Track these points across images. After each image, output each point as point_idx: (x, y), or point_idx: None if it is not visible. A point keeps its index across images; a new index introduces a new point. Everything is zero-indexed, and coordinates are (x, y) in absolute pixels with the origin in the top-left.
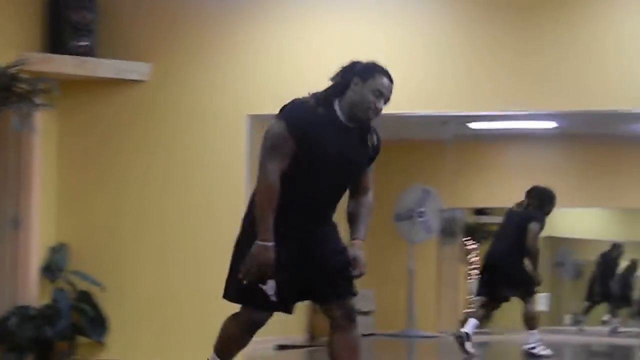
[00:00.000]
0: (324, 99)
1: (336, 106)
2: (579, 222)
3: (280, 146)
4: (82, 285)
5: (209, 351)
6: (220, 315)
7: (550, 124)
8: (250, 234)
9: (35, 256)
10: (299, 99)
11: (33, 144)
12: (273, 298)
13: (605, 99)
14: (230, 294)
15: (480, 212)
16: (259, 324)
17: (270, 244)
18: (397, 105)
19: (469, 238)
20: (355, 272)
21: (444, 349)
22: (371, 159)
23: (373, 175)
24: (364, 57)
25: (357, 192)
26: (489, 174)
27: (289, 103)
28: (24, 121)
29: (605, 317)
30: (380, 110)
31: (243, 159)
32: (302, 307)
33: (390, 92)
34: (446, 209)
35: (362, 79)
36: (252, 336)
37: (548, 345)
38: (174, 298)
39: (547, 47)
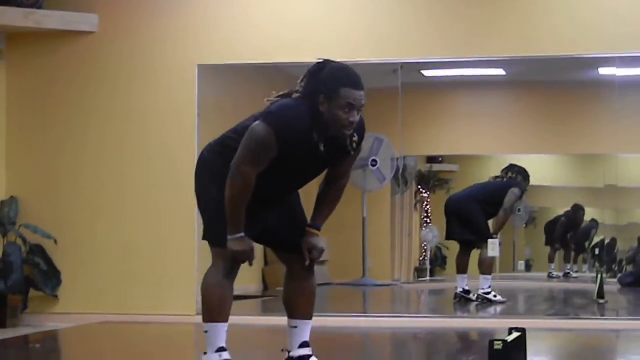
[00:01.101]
0: (309, 108)
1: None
2: (530, 168)
3: (263, 154)
4: (34, 239)
5: (165, 302)
6: (177, 266)
7: (499, 71)
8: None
9: None
10: (288, 105)
11: None
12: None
13: (552, 44)
14: (205, 236)
15: (432, 159)
16: (236, 265)
17: (242, 234)
18: (347, 53)
19: (421, 186)
20: (314, 256)
21: (398, 297)
22: (350, 153)
23: None
24: (314, 7)
25: (331, 176)
26: (441, 122)
27: (279, 108)
28: None
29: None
30: (355, 121)
31: (193, 109)
32: (256, 257)
33: (362, 97)
34: (398, 157)
35: (326, 97)
36: (234, 277)
37: (501, 291)
38: (129, 249)
39: None
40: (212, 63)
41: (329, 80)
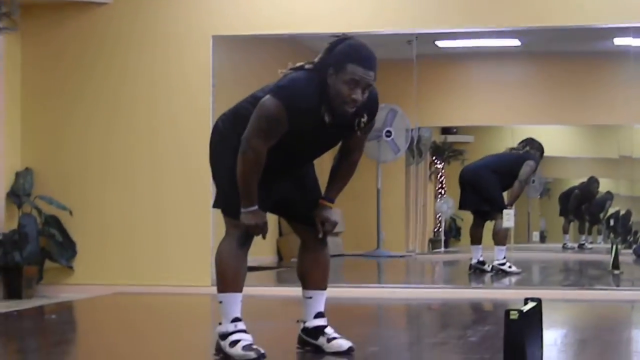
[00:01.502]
0: (319, 82)
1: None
2: (545, 139)
3: (274, 128)
4: (49, 210)
5: (180, 273)
6: (192, 236)
7: (514, 42)
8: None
9: (2, 181)
10: (299, 78)
11: None
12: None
13: (568, 14)
14: (218, 205)
15: (447, 130)
16: (250, 237)
17: (255, 207)
18: (361, 24)
19: (436, 157)
20: (327, 229)
21: (412, 268)
22: (361, 130)
23: None
24: None
25: (344, 150)
26: (456, 93)
27: (290, 82)
28: None
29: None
30: (359, 100)
31: (208, 81)
32: (271, 229)
33: (369, 76)
34: (413, 128)
35: (334, 69)
36: (248, 248)
37: (516, 262)
38: (144, 221)
39: None
40: (227, 34)
41: (340, 54)
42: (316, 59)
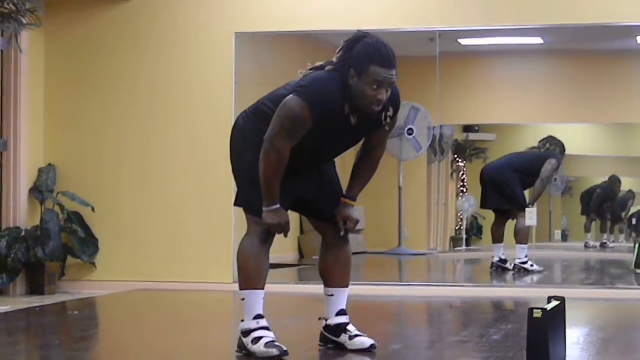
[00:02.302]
0: (341, 81)
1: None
2: (567, 138)
3: (298, 128)
4: (72, 207)
5: (202, 270)
6: (214, 234)
7: (537, 40)
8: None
9: (25, 178)
10: (322, 77)
11: (20, 65)
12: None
13: (590, 13)
14: (239, 203)
15: (468, 129)
16: (271, 234)
17: (277, 206)
18: (385, 22)
19: (458, 155)
20: (349, 227)
21: (434, 266)
22: (385, 127)
23: None
24: None
25: (367, 147)
26: (478, 91)
27: (312, 82)
28: (11, 41)
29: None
30: (384, 99)
31: (231, 78)
32: (293, 227)
33: (392, 75)
34: (435, 126)
35: (357, 72)
36: (270, 245)
37: (538, 260)
38: (166, 218)
39: None
40: (249, 31)
41: (361, 56)
42: (335, 59)
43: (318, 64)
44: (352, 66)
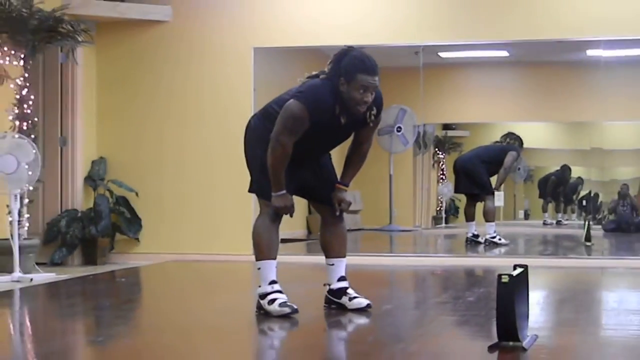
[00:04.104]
0: (333, 87)
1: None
2: (528, 134)
3: (298, 126)
4: (120, 192)
5: (226, 244)
6: (236, 215)
7: (503, 53)
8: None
9: (80, 168)
10: (316, 85)
11: (76, 75)
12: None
13: (548, 29)
14: (252, 189)
15: (447, 127)
16: (279, 214)
17: (284, 191)
18: (378, 38)
19: (438, 149)
20: (343, 207)
21: (419, 240)
22: (370, 124)
23: None
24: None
25: (356, 142)
26: (455, 95)
27: (309, 88)
28: (69, 55)
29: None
30: (369, 101)
31: (250, 85)
32: (302, 208)
33: (375, 81)
34: (419, 124)
35: (346, 80)
36: (279, 223)
37: (505, 235)
38: (198, 201)
39: None
40: (265, 46)
41: (348, 66)
42: (326, 69)
43: (313, 73)
44: (341, 75)
